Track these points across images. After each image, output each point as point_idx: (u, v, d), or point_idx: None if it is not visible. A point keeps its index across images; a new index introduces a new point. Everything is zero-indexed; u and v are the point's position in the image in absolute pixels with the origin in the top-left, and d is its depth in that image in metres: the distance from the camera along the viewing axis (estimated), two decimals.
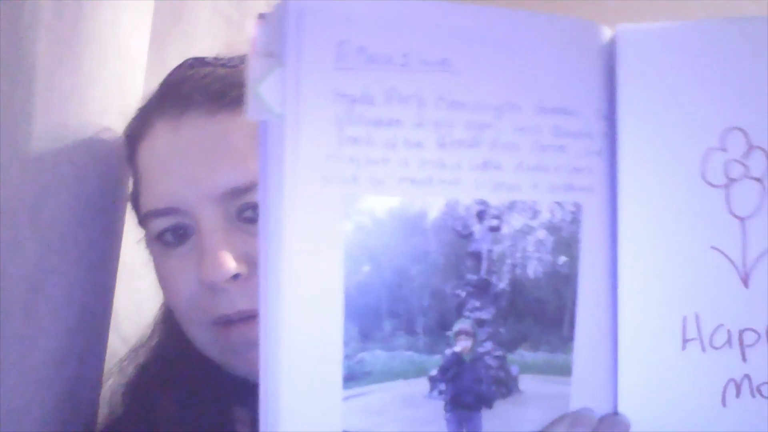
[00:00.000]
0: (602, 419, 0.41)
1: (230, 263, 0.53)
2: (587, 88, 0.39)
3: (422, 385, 0.38)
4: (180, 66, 0.63)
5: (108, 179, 0.62)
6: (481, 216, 0.38)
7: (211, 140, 0.56)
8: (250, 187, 0.54)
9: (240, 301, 0.54)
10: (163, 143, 0.57)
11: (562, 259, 0.40)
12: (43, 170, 0.56)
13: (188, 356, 0.62)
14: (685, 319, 0.41)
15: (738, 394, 0.41)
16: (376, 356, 0.37)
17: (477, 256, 0.38)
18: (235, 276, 0.54)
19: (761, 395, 0.41)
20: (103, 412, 0.65)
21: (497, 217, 0.38)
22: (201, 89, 0.57)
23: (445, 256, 0.38)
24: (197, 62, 0.62)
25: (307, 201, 0.35)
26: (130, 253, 0.66)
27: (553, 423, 0.40)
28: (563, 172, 0.39)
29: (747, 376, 0.41)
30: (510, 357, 0.40)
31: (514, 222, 0.39)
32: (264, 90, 0.35)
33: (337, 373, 0.36)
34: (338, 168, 0.36)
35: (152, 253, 0.61)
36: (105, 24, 0.60)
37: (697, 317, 0.41)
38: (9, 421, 0.54)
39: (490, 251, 0.38)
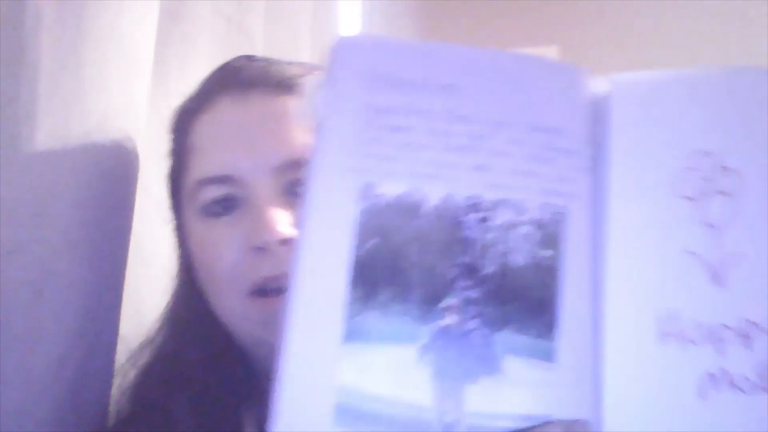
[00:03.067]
0: None
1: (284, 224, 0.57)
2: (576, 117, 0.46)
3: (413, 352, 0.43)
4: (232, 60, 0.68)
5: (111, 180, 0.63)
6: (474, 208, 0.45)
7: (275, 116, 0.61)
8: (302, 162, 0.57)
9: (286, 263, 0.55)
10: (229, 117, 0.62)
11: (548, 252, 0.45)
12: (46, 172, 0.56)
13: (195, 355, 0.64)
14: (663, 315, 0.45)
15: (715, 387, 0.45)
16: (373, 319, 0.43)
17: (468, 242, 0.45)
18: (284, 241, 0.57)
19: (738, 389, 0.45)
20: (110, 412, 0.65)
21: (489, 210, 0.45)
22: (262, 75, 0.63)
23: (440, 238, 0.44)
24: (246, 58, 0.68)
25: (332, 185, 0.44)
26: (132, 254, 0.67)
27: (546, 425, 0.43)
28: (552, 180, 0.45)
29: (724, 370, 0.45)
30: (495, 337, 0.44)
31: (504, 216, 0.45)
32: (314, 101, 0.46)
33: (339, 330, 0.43)
34: (359, 161, 0.45)
35: (191, 227, 0.63)
36: (108, 26, 0.60)
37: (674, 314, 0.45)
38: (9, 421, 0.54)
39: (480, 238, 0.45)
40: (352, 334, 0.43)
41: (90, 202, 0.59)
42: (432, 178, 0.44)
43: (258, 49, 0.98)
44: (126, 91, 0.63)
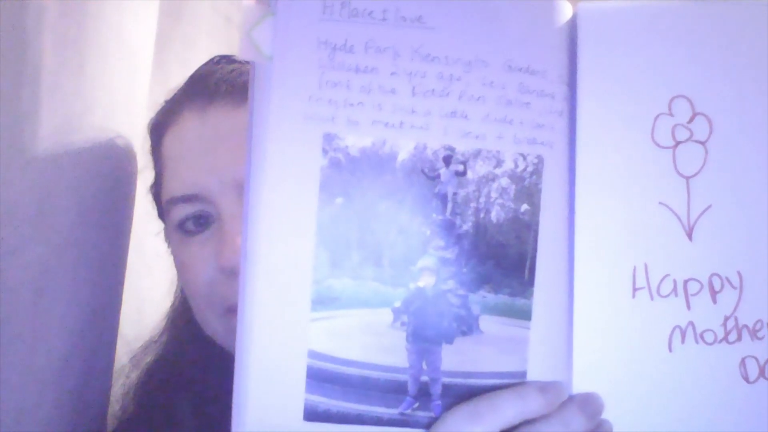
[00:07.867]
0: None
1: None
2: (551, 55, 0.43)
3: (386, 315, 0.41)
4: (207, 62, 0.65)
5: (112, 180, 0.62)
6: (447, 160, 0.41)
7: (235, 130, 0.57)
8: None
9: None
10: (190, 131, 0.59)
11: (524, 207, 0.43)
12: (47, 171, 0.55)
13: (198, 354, 0.63)
14: (635, 268, 0.44)
15: (683, 340, 0.44)
16: (343, 283, 0.40)
17: (443, 198, 0.41)
18: None
19: (704, 342, 0.44)
20: (114, 411, 0.66)
21: (463, 163, 0.41)
22: (228, 81, 0.60)
23: (412, 195, 0.41)
24: (224, 59, 0.64)
25: (289, 136, 0.39)
26: (133, 253, 0.67)
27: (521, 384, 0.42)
28: (527, 127, 0.42)
29: (691, 324, 0.44)
30: (472, 297, 0.42)
31: (479, 168, 0.42)
32: (256, 34, 0.40)
33: (307, 295, 0.40)
34: (318, 108, 0.40)
35: (172, 242, 0.62)
36: (110, 25, 0.60)
37: (646, 267, 0.44)
38: (10, 421, 0.54)
39: (455, 194, 0.42)
40: (322, 300, 0.40)
41: (90, 202, 0.58)
42: (401, 128, 0.40)
43: None
44: (127, 91, 0.63)
